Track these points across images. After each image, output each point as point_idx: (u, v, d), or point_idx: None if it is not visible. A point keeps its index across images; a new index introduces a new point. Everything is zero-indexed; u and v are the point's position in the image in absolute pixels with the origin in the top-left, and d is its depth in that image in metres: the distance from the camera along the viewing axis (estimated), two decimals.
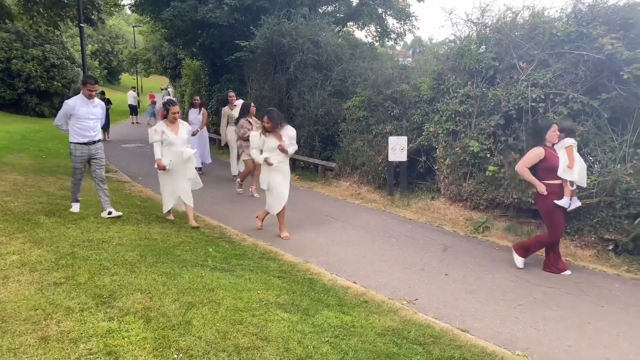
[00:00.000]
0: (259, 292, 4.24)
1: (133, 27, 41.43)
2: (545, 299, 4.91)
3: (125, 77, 59.49)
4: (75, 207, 6.52)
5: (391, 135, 9.10)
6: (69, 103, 6.22)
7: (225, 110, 10.41)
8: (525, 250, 5.79)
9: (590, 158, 6.46)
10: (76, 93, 8.76)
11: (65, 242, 4.96)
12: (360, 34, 73.02)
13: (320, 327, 3.69)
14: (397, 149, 8.83)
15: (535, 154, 5.54)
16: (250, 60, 13.60)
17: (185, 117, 14.24)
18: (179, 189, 6.68)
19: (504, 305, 4.77)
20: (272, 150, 6.47)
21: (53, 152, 13.22)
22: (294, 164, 12.04)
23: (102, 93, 18.79)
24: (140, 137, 19.76)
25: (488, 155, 7.43)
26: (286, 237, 6.63)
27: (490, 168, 7.26)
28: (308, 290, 4.62)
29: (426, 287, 5.17)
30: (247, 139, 8.58)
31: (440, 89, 8.39)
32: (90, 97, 6.28)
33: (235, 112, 9.84)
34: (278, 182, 6.51)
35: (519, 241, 6.08)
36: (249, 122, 8.94)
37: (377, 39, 21.03)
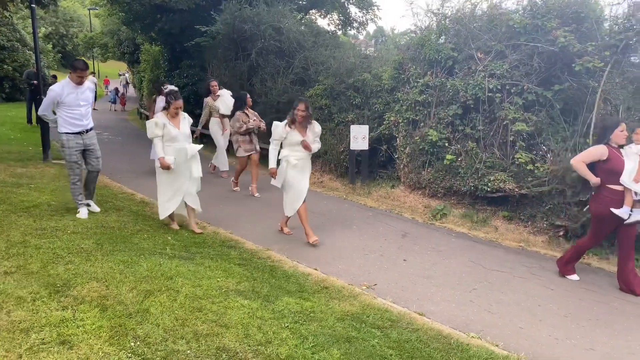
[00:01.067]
0: (218, 279, 4.22)
1: (89, 9, 39.93)
2: (499, 283, 5.08)
3: None
4: (83, 212, 5.78)
5: (353, 124, 9.15)
6: (55, 89, 5.58)
7: (208, 101, 9.68)
8: (569, 264, 5.36)
9: (544, 147, 6.69)
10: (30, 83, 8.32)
11: (16, 231, 4.79)
12: (322, 22, 72.88)
13: (280, 313, 3.72)
14: (359, 137, 8.89)
15: (596, 151, 4.98)
16: (211, 46, 13.37)
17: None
18: (182, 191, 5.88)
19: (460, 289, 4.91)
20: (294, 145, 5.84)
21: (3, 138, 12.69)
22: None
23: (54, 77, 18.15)
24: (97, 123, 19.18)
25: (446, 144, 7.58)
26: (316, 242, 5.88)
27: (448, 157, 7.42)
28: (269, 277, 4.64)
29: (385, 272, 5.26)
30: (243, 134, 8.23)
31: (401, 79, 8.48)
32: (79, 83, 5.66)
33: (219, 103, 9.41)
34: (295, 178, 5.85)
35: (559, 261, 5.46)
36: (246, 114, 8.30)
37: (339, 27, 21.03)
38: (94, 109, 27.17)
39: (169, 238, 5.47)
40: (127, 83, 37.67)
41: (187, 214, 6.12)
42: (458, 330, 4.03)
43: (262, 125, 8.39)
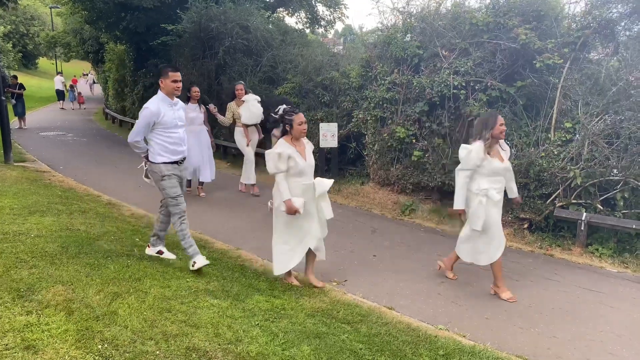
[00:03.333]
0: (188, 279, 4.19)
1: (50, 8, 38.92)
2: (466, 276, 5.19)
3: (43, 62, 55.87)
4: (200, 259, 4.48)
5: (322, 121, 9.19)
6: (150, 108, 4.36)
7: (232, 105, 8.41)
8: None
9: (507, 142, 6.84)
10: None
11: None
12: (290, 21, 72.60)
13: (250, 311, 3.72)
14: (328, 135, 8.92)
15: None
16: (177, 45, 13.22)
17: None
18: (309, 238, 4.54)
19: (428, 283, 5.00)
20: (493, 175, 4.51)
21: None
22: (225, 152, 11.90)
23: (15, 77, 17.64)
24: (61, 124, 18.76)
25: (414, 141, 7.70)
26: (512, 300, 4.63)
27: (416, 153, 7.53)
28: (239, 277, 4.63)
29: (355, 268, 5.32)
30: None
31: (369, 77, 8.56)
32: (175, 94, 4.55)
33: (243, 111, 8.13)
34: (496, 218, 4.59)
35: None
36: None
37: (307, 25, 21.05)
38: (62, 108, 26.96)
39: (137, 240, 5.39)
40: (95, 82, 37.33)
41: (306, 262, 4.79)
42: (426, 323, 4.11)
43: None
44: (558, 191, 6.22)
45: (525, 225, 6.61)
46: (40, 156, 11.35)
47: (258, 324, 3.50)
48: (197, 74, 12.67)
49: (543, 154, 6.33)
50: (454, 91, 7.10)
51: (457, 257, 4.97)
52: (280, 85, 10.52)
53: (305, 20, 21.05)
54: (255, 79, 11.29)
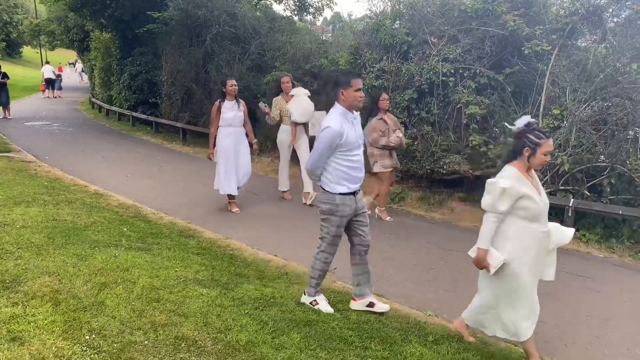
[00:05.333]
0: (176, 269, 4.17)
1: None
2: (455, 263, 5.22)
3: (27, 51, 54.99)
4: (325, 305, 3.85)
5: None
6: (335, 128, 3.50)
7: (278, 101, 7.27)
8: None
9: (496, 130, 6.87)
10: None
11: None
12: (278, 8, 71.95)
13: (240, 300, 3.71)
14: (317, 124, 8.87)
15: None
16: (164, 33, 13.06)
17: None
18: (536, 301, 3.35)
19: (417, 270, 5.03)
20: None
21: None
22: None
23: None
24: (46, 114, 18.50)
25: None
26: None
27: (405, 141, 7.51)
28: (228, 266, 4.61)
29: (345, 256, 5.29)
30: (383, 148, 6.32)
31: (357, 64, 8.51)
32: (358, 107, 3.70)
33: (292, 107, 7.04)
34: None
35: None
36: (384, 121, 6.34)
37: (295, 13, 20.84)
38: (48, 97, 26.73)
39: (125, 230, 5.34)
40: (83, 71, 37.13)
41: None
42: (416, 310, 4.13)
43: (404, 141, 6.48)
44: (546, 177, 6.25)
45: None
46: (25, 146, 11.19)
47: (247, 312, 3.49)
48: (185, 63, 12.56)
49: None
50: (443, 78, 7.08)
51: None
52: (269, 73, 10.44)
53: (293, 7, 20.85)
54: (243, 67, 11.20)
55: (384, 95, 6.37)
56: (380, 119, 6.30)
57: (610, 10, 6.54)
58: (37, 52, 44.37)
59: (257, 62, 11.33)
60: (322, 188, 3.71)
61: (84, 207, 6.09)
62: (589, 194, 6.07)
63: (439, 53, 7.20)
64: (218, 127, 6.63)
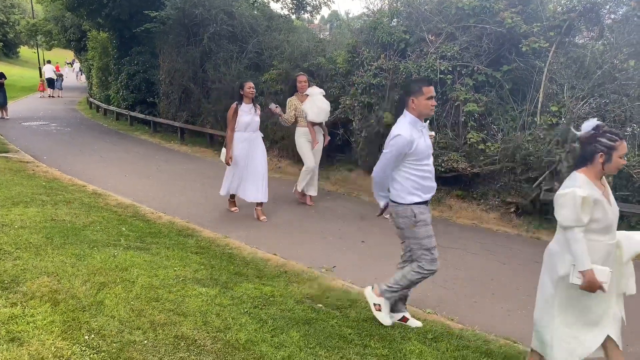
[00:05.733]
0: (175, 268, 4.16)
1: None
2: (453, 260, 5.22)
3: (25, 51, 54.89)
4: (387, 318, 3.66)
5: None
6: (405, 136, 3.34)
7: (293, 101, 6.96)
8: None
9: (494, 127, 6.87)
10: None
11: None
12: (275, 6, 71.98)
13: (239, 299, 3.71)
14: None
15: None
16: (161, 32, 13.05)
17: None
18: (605, 321, 2.84)
19: None
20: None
21: None
22: (212, 139, 11.82)
23: None
24: (44, 114, 18.47)
25: None
26: None
27: None
28: (227, 265, 4.61)
29: (344, 254, 5.32)
30: None
31: (355, 62, 8.49)
32: (430, 115, 3.54)
33: (308, 106, 6.83)
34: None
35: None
36: None
37: (293, 11, 20.81)
38: (50, 96, 26.72)
39: (123, 229, 5.34)
40: (81, 70, 37.18)
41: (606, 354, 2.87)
42: (415, 307, 4.13)
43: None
44: (544, 174, 6.25)
45: (512, 209, 6.65)
46: (23, 146, 11.17)
47: (247, 311, 3.49)
48: (182, 62, 12.54)
49: (529, 138, 6.35)
50: (441, 76, 7.07)
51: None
52: (266, 72, 10.43)
53: (290, 5, 20.82)
54: (241, 66, 11.18)
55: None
56: None
57: (608, 7, 6.55)
58: (35, 52, 44.26)
59: (255, 60, 11.31)
60: (394, 201, 3.54)
61: (82, 207, 6.08)
62: None
63: (437, 51, 7.19)
64: (234, 130, 6.29)
